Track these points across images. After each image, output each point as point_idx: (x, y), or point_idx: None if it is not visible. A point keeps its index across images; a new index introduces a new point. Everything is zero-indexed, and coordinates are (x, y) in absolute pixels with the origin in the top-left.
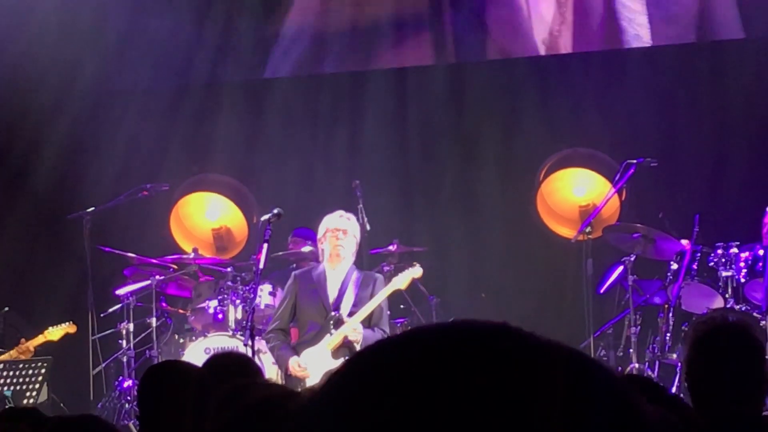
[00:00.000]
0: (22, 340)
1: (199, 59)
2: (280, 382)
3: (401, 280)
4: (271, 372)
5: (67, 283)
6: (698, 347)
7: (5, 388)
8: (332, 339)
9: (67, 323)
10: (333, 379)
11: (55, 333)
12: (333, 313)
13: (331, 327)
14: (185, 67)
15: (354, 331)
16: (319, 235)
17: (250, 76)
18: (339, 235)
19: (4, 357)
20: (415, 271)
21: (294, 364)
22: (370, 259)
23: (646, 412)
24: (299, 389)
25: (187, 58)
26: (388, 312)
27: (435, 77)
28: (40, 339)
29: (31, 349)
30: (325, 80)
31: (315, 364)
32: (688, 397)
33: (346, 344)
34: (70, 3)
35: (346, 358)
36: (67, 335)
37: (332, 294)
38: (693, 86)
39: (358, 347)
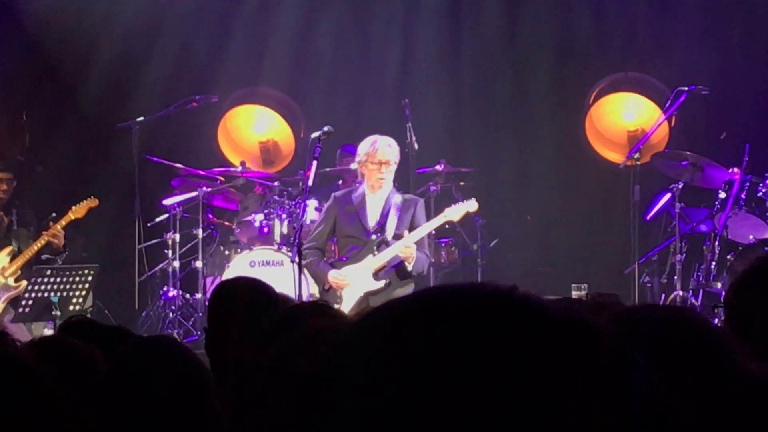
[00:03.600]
0: (51, 223)
1: None
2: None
3: (455, 213)
4: (315, 291)
5: (115, 192)
6: (745, 279)
7: (52, 293)
8: (375, 260)
9: (88, 198)
10: (361, 337)
11: (79, 210)
12: (377, 236)
13: (375, 249)
14: None
15: (407, 248)
16: (360, 158)
17: None
18: (382, 169)
19: (35, 246)
20: (471, 205)
21: (334, 275)
22: (417, 178)
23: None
24: (336, 305)
25: None
26: (433, 232)
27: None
28: (67, 218)
29: (60, 229)
30: None
31: (355, 280)
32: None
33: (393, 265)
34: None
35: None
36: (91, 210)
37: (372, 218)
38: (747, 13)
39: (410, 266)
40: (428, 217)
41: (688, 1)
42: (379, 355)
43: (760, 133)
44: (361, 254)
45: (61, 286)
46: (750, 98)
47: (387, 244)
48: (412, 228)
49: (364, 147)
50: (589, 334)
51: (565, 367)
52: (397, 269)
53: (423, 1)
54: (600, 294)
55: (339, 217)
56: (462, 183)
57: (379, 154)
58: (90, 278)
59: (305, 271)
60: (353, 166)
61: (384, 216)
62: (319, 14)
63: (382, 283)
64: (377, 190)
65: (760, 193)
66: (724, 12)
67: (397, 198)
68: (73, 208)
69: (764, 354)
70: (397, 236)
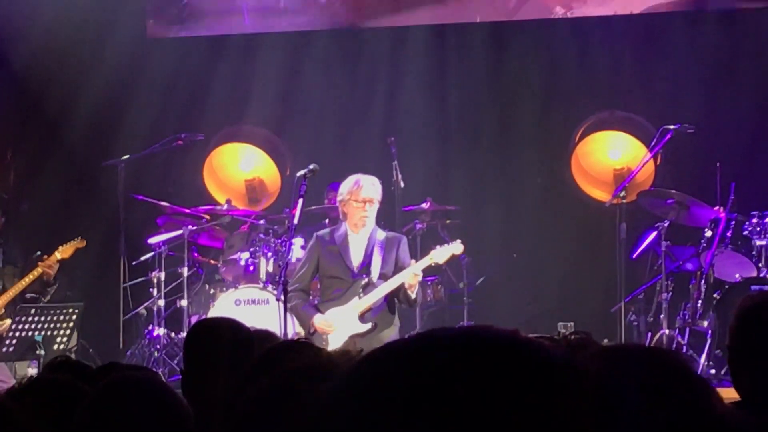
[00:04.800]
0: (45, 256)
1: (235, 10)
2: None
3: (441, 255)
4: (301, 330)
5: (100, 230)
6: (744, 320)
7: (36, 332)
8: (361, 302)
9: (76, 239)
10: (351, 380)
11: (66, 250)
12: (362, 277)
13: (361, 291)
14: (224, 17)
15: (416, 276)
16: (343, 197)
17: (289, 29)
18: (366, 207)
19: (26, 279)
20: (456, 247)
21: (319, 319)
22: (402, 216)
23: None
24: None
25: (225, 9)
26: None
27: (474, 35)
28: (54, 258)
29: (55, 261)
30: (364, 35)
31: (341, 324)
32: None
33: (378, 307)
34: None
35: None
36: (78, 251)
37: (356, 258)
38: (733, 53)
39: (413, 294)
40: (411, 254)
41: (673, 39)
42: (380, 406)
43: (745, 172)
44: (346, 296)
45: (46, 325)
46: (735, 137)
47: (373, 286)
48: (397, 267)
49: (346, 185)
50: (588, 379)
51: (568, 415)
52: (382, 311)
53: (409, 39)
54: (573, 332)
55: (322, 257)
56: (448, 221)
57: (362, 192)
58: (74, 317)
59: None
60: (338, 199)
61: (368, 256)
62: (305, 52)
63: (368, 326)
64: (360, 228)
65: (746, 232)
66: (709, 51)
67: (380, 235)
68: (60, 248)
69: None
70: (383, 276)
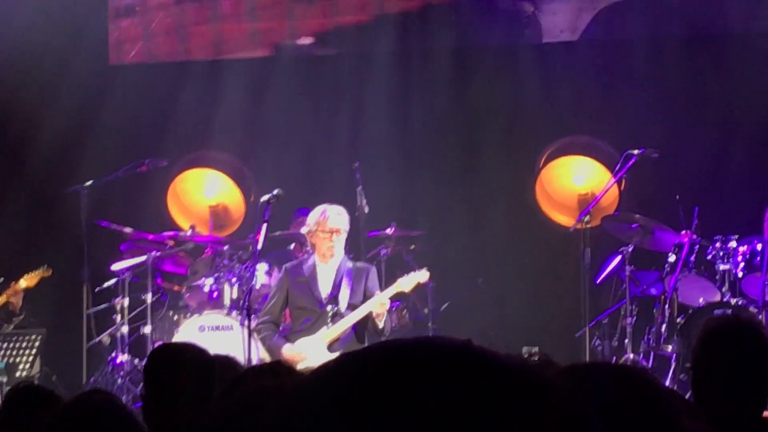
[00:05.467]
0: (12, 282)
1: (201, 34)
2: None
3: (407, 284)
4: (265, 356)
5: (63, 256)
6: (707, 342)
7: None
8: (329, 332)
9: (42, 268)
10: (301, 393)
11: (31, 279)
12: (331, 307)
13: (329, 321)
14: (190, 42)
15: (383, 305)
16: (311, 228)
17: (252, 54)
18: (333, 237)
19: None
20: (422, 275)
21: (288, 350)
22: (367, 242)
23: None
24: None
25: (193, 33)
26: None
27: (439, 61)
28: (19, 285)
29: (21, 289)
30: (329, 61)
31: (310, 354)
32: (683, 390)
33: (347, 336)
34: None
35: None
36: (43, 279)
37: (325, 289)
38: (696, 78)
39: (381, 323)
40: (380, 284)
41: (637, 65)
42: (330, 412)
43: (709, 196)
44: (315, 326)
45: (8, 352)
46: (699, 161)
47: (341, 315)
48: (365, 297)
49: (313, 216)
50: (541, 387)
51: (519, 421)
52: (350, 341)
53: (373, 64)
54: (530, 354)
55: (291, 288)
56: (413, 246)
57: (329, 223)
58: (37, 344)
59: (255, 335)
60: (304, 230)
61: (336, 287)
62: (269, 78)
63: (337, 354)
64: (328, 259)
65: (710, 256)
66: (673, 76)
67: (349, 265)
68: (26, 276)
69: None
70: (352, 306)
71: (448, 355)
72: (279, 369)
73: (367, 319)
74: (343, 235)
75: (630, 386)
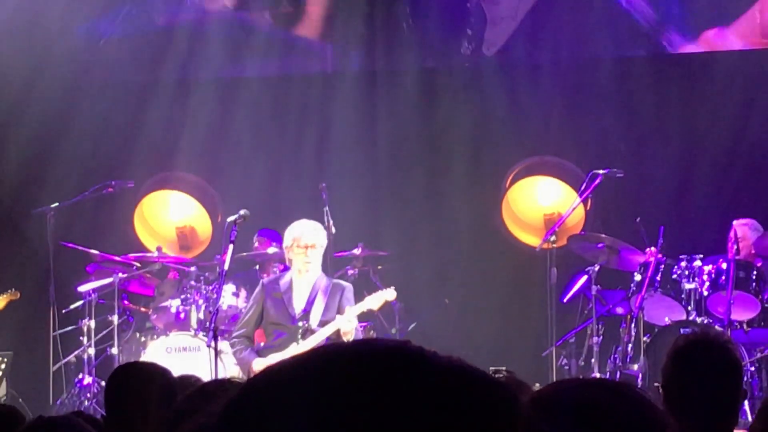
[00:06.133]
0: None
1: (169, 55)
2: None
3: (375, 302)
4: (233, 374)
5: (30, 278)
6: (677, 360)
7: None
8: (297, 349)
9: (9, 291)
10: (244, 393)
11: None
12: (302, 323)
13: (299, 337)
14: (154, 63)
15: (350, 322)
16: (287, 243)
17: (220, 74)
18: (308, 252)
19: None
20: (390, 294)
21: (258, 365)
22: (334, 262)
23: None
24: None
25: (158, 54)
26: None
27: (405, 81)
28: None
29: None
30: (295, 81)
31: None
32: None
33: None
34: None
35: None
36: (11, 303)
37: (299, 304)
38: (660, 98)
39: (350, 338)
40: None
41: (602, 85)
42: (272, 414)
43: (674, 216)
44: (285, 342)
45: None
46: (664, 181)
47: (312, 331)
48: (340, 314)
49: (290, 232)
50: (479, 382)
51: (458, 416)
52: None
53: (338, 84)
54: (496, 370)
55: (266, 303)
56: (380, 266)
57: (304, 238)
58: (3, 366)
59: (221, 356)
60: (270, 250)
61: (310, 302)
62: (235, 98)
63: None
64: (304, 274)
65: (675, 275)
66: (637, 96)
67: (325, 281)
68: None
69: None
70: (324, 323)
71: (384, 354)
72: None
73: (337, 337)
74: (319, 251)
75: (610, 396)
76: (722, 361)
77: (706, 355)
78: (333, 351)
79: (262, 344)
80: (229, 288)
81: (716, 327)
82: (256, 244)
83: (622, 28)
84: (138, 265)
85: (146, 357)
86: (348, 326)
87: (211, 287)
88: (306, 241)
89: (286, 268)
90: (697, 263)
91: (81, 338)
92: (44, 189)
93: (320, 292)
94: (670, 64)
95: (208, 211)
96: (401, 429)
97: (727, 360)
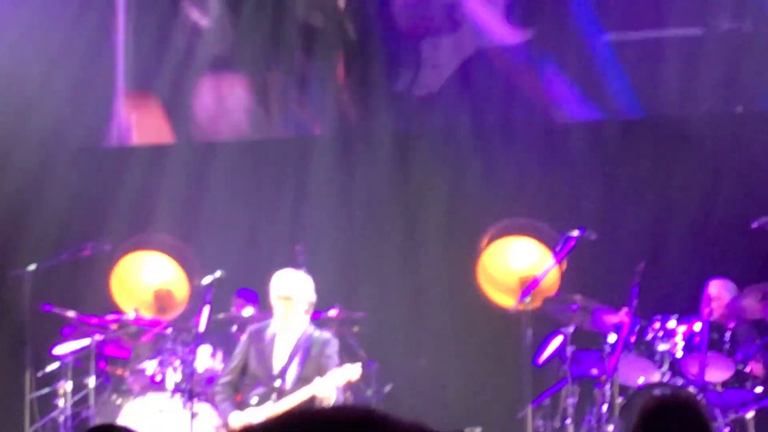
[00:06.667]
0: None
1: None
2: None
3: (338, 379)
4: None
5: (6, 341)
6: (647, 421)
7: None
8: (274, 407)
9: None
10: None
11: None
12: (279, 381)
13: (275, 395)
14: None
15: (323, 389)
16: (270, 293)
17: (196, 138)
18: (285, 304)
19: None
20: (353, 373)
21: (234, 419)
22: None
23: None
24: None
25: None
26: None
27: (381, 144)
28: None
29: None
30: (271, 144)
31: None
32: None
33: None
34: (16, 59)
35: None
36: None
37: (278, 360)
38: (633, 160)
39: (328, 403)
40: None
41: (575, 148)
42: None
43: (647, 277)
44: (263, 397)
45: None
46: (637, 242)
47: (286, 393)
48: (320, 370)
49: (272, 280)
50: None
51: None
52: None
53: (314, 145)
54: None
55: (250, 353)
56: (356, 328)
57: (280, 289)
58: None
59: (198, 418)
60: (246, 312)
61: (290, 358)
62: (212, 160)
63: None
64: (285, 326)
65: (649, 336)
66: (610, 158)
67: (309, 334)
68: None
69: None
70: (301, 380)
71: (350, 424)
72: None
73: (313, 399)
74: (297, 303)
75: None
76: (692, 423)
77: (675, 417)
78: (305, 418)
79: (239, 398)
80: (205, 349)
81: (689, 389)
82: (234, 306)
83: (591, 90)
84: (115, 327)
85: (122, 419)
86: (323, 393)
87: (187, 349)
88: (280, 292)
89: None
90: (671, 324)
91: (57, 401)
92: (21, 251)
93: (301, 348)
94: (641, 125)
95: (185, 273)
96: None
97: (697, 422)
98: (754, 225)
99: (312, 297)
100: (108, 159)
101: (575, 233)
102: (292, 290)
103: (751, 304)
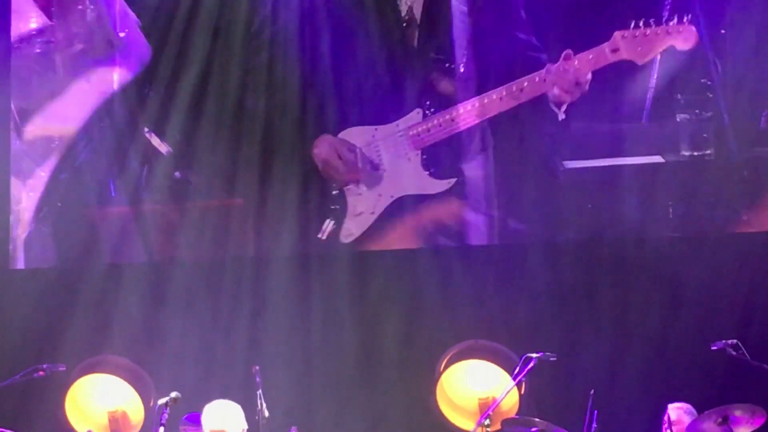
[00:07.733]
0: None
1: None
2: None
3: None
4: None
5: None
6: None
7: None
8: None
9: None
10: None
11: None
12: None
13: None
14: (85, 247)
15: None
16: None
17: (151, 259)
18: None
19: None
20: None
21: None
22: None
23: None
24: None
25: (89, 237)
26: None
27: (337, 264)
28: None
29: None
30: (227, 264)
31: None
32: None
33: None
34: None
35: None
36: None
37: None
38: (592, 281)
39: None
40: None
41: (534, 269)
42: None
43: (606, 400)
44: None
45: None
46: (597, 365)
47: None
48: None
49: (202, 416)
50: None
51: None
52: None
53: (271, 267)
54: None
55: None
56: None
57: (212, 425)
58: None
59: None
60: None
61: None
62: (167, 281)
63: None
64: None
65: None
66: (569, 279)
67: None
68: None
69: None
70: None
71: None
72: None
73: None
74: None
75: None
76: None
77: None
78: None
79: None
80: None
81: None
82: (180, 429)
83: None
84: None
85: None
86: None
87: None
88: (213, 426)
89: None
90: None
91: None
92: None
93: None
94: (600, 246)
95: (140, 395)
96: None
97: None
98: (714, 347)
99: (244, 426)
100: (61, 279)
101: (534, 355)
102: (224, 424)
103: (710, 427)
